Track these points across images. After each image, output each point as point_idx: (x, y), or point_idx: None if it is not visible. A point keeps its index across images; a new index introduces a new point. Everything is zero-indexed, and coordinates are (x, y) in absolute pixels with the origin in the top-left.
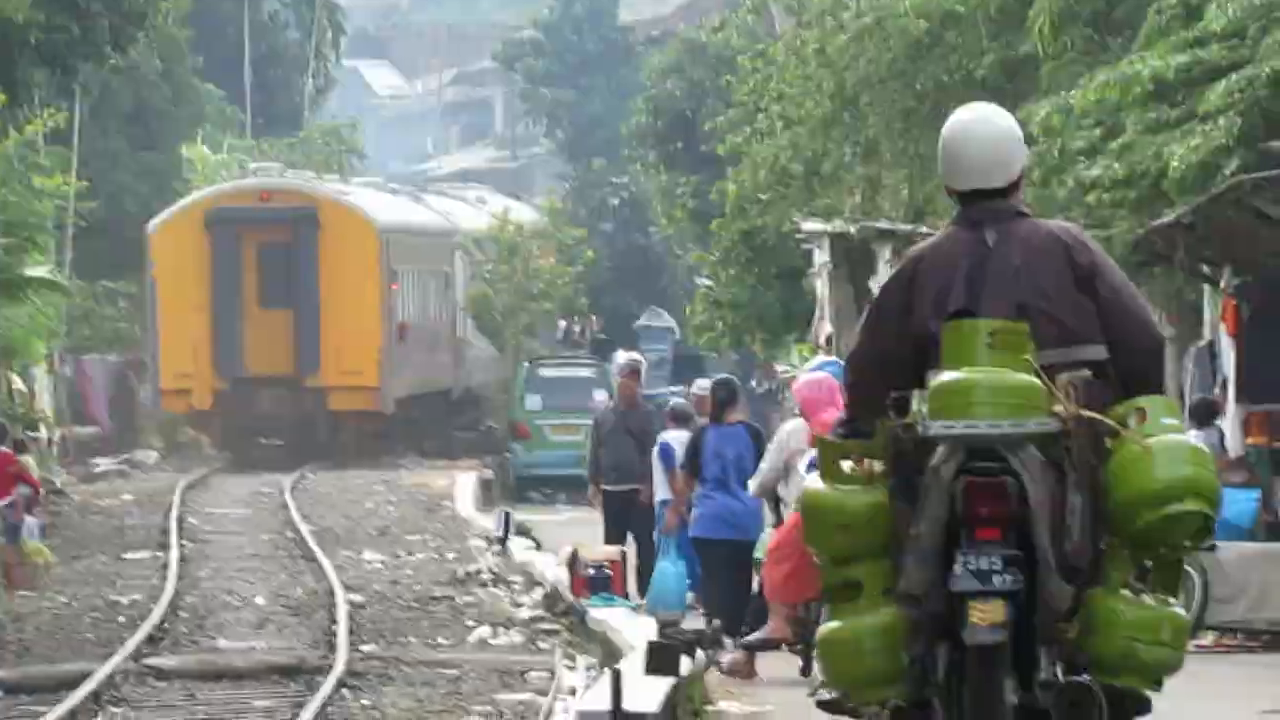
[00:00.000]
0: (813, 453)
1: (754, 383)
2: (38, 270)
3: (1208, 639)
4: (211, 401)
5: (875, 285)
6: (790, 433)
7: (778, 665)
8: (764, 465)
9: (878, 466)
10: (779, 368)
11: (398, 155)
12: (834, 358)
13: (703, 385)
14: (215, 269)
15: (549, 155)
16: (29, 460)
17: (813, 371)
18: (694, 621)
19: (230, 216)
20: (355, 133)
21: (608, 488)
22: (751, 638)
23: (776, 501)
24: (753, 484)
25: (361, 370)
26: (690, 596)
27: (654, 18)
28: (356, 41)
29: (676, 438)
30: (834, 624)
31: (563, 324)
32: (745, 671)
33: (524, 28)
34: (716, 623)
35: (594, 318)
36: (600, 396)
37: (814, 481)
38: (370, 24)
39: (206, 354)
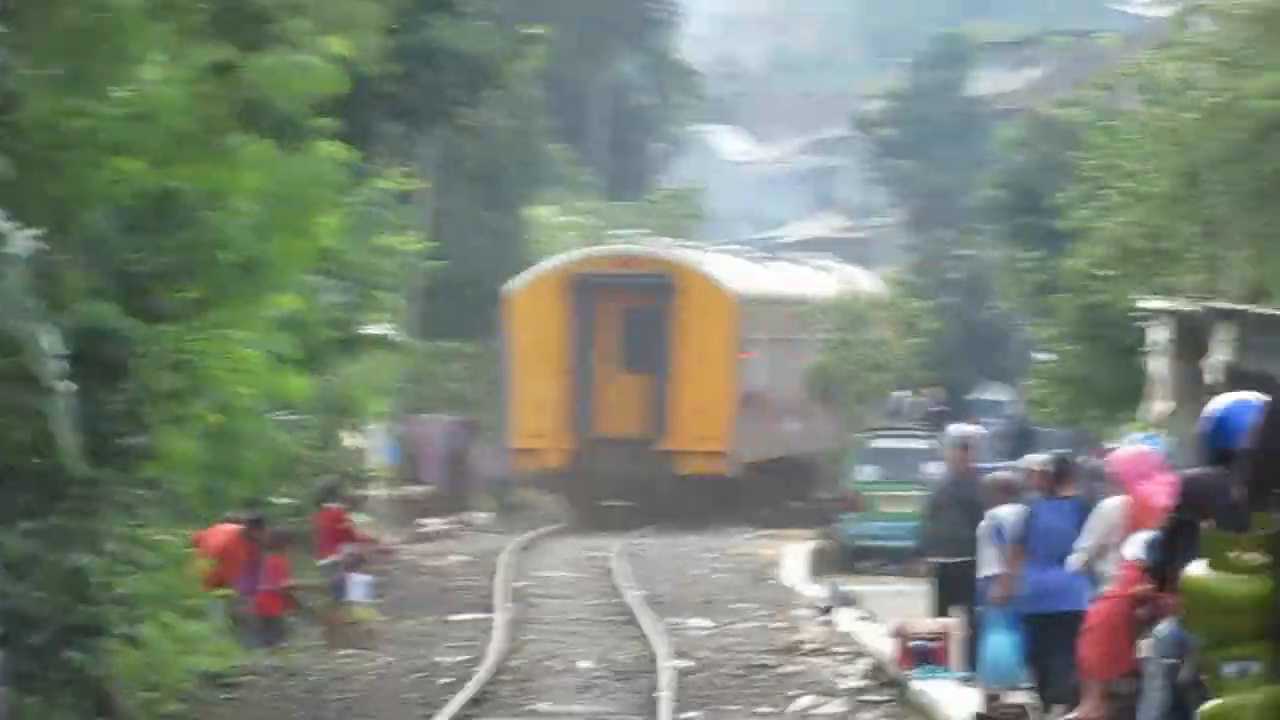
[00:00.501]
0: (1140, 534)
1: (1086, 457)
2: (378, 329)
3: None
4: (563, 461)
5: (1208, 366)
6: (1110, 509)
7: None
8: (1085, 541)
9: (1260, 558)
10: (1107, 445)
11: (746, 220)
12: (1155, 433)
13: (1036, 459)
14: (574, 331)
15: (895, 226)
16: (360, 519)
17: (1133, 445)
18: (1018, 696)
19: (592, 281)
20: (701, 196)
21: (938, 559)
22: (1069, 717)
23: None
24: (1074, 559)
25: (711, 435)
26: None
27: (1002, 92)
28: (709, 106)
29: (1007, 511)
30: (1218, 702)
31: (896, 395)
32: None
33: (876, 96)
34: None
35: (931, 389)
36: (932, 469)
37: (1198, 569)
38: (723, 89)
39: (562, 414)
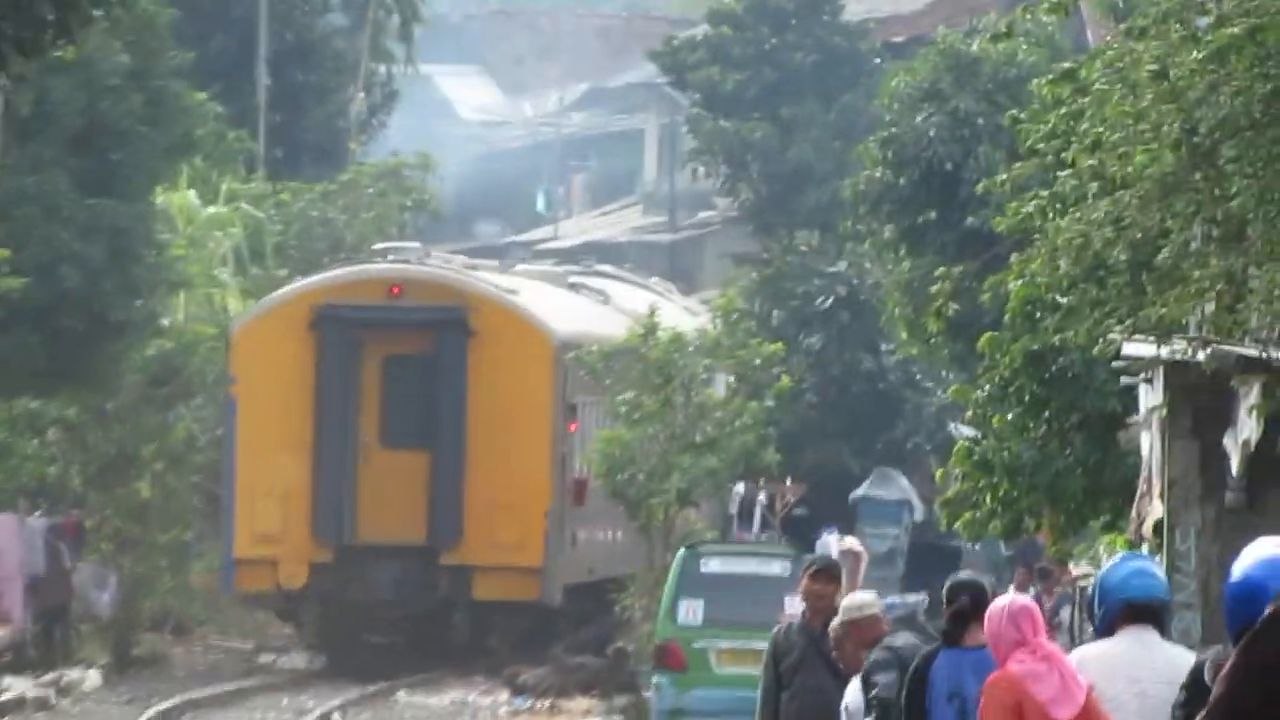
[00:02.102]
0: None
1: (1033, 590)
2: None
3: None
4: (306, 579)
5: (1231, 443)
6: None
7: None
8: None
9: None
10: (1074, 571)
11: (491, 213)
12: (1145, 552)
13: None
14: (321, 390)
15: (727, 225)
16: None
17: (1016, 596)
18: None
19: (346, 317)
20: (428, 177)
21: None
22: None
23: None
24: None
25: (522, 544)
26: None
27: (896, 14)
28: (434, 39)
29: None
30: None
31: (739, 489)
32: None
33: (693, 21)
34: None
35: (788, 483)
36: (793, 607)
37: None
38: (453, 11)
39: (304, 511)
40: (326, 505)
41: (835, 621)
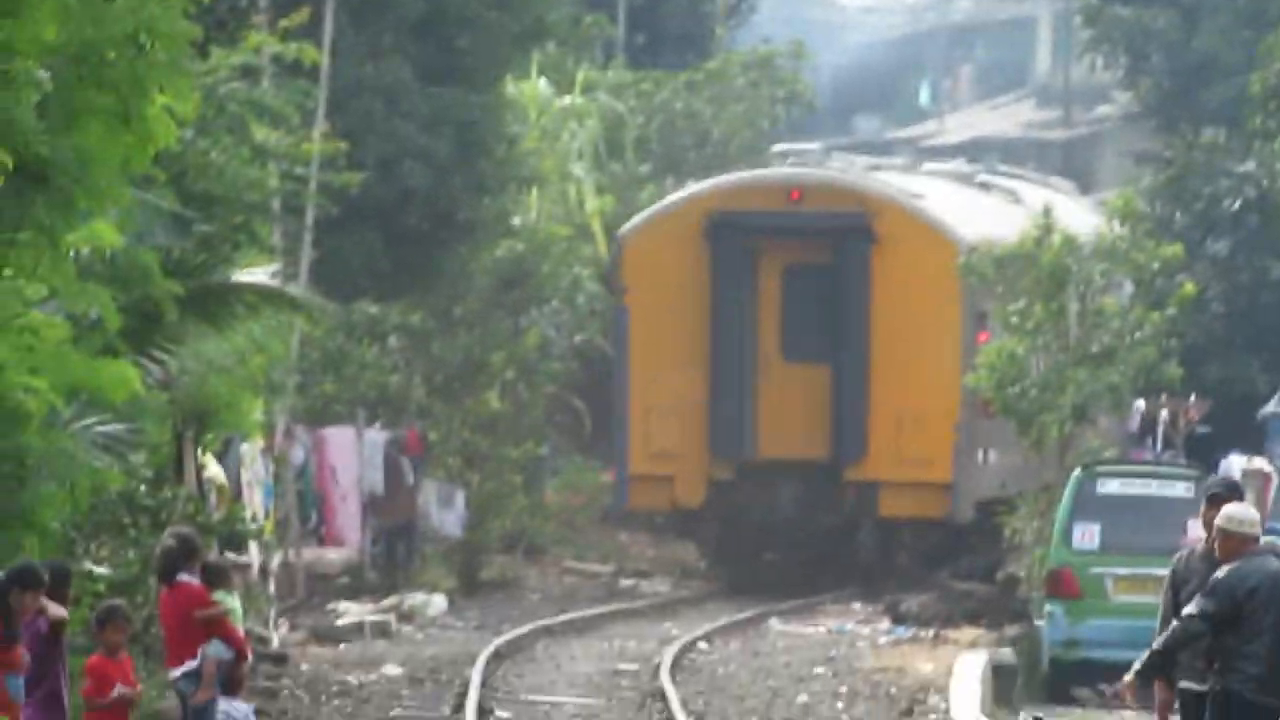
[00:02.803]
0: None
1: None
2: (254, 275)
3: None
4: (705, 496)
5: None
6: None
7: None
8: None
9: None
10: None
11: (869, 107)
12: None
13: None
14: (717, 302)
15: (1126, 121)
16: (230, 602)
17: None
18: None
19: (743, 224)
20: (801, 67)
21: (1185, 684)
22: None
23: None
24: None
25: (931, 459)
26: None
27: None
28: None
29: None
30: None
31: (1140, 405)
32: None
33: None
34: None
35: (1192, 399)
36: (1196, 532)
37: None
38: None
39: (701, 426)
40: (725, 421)
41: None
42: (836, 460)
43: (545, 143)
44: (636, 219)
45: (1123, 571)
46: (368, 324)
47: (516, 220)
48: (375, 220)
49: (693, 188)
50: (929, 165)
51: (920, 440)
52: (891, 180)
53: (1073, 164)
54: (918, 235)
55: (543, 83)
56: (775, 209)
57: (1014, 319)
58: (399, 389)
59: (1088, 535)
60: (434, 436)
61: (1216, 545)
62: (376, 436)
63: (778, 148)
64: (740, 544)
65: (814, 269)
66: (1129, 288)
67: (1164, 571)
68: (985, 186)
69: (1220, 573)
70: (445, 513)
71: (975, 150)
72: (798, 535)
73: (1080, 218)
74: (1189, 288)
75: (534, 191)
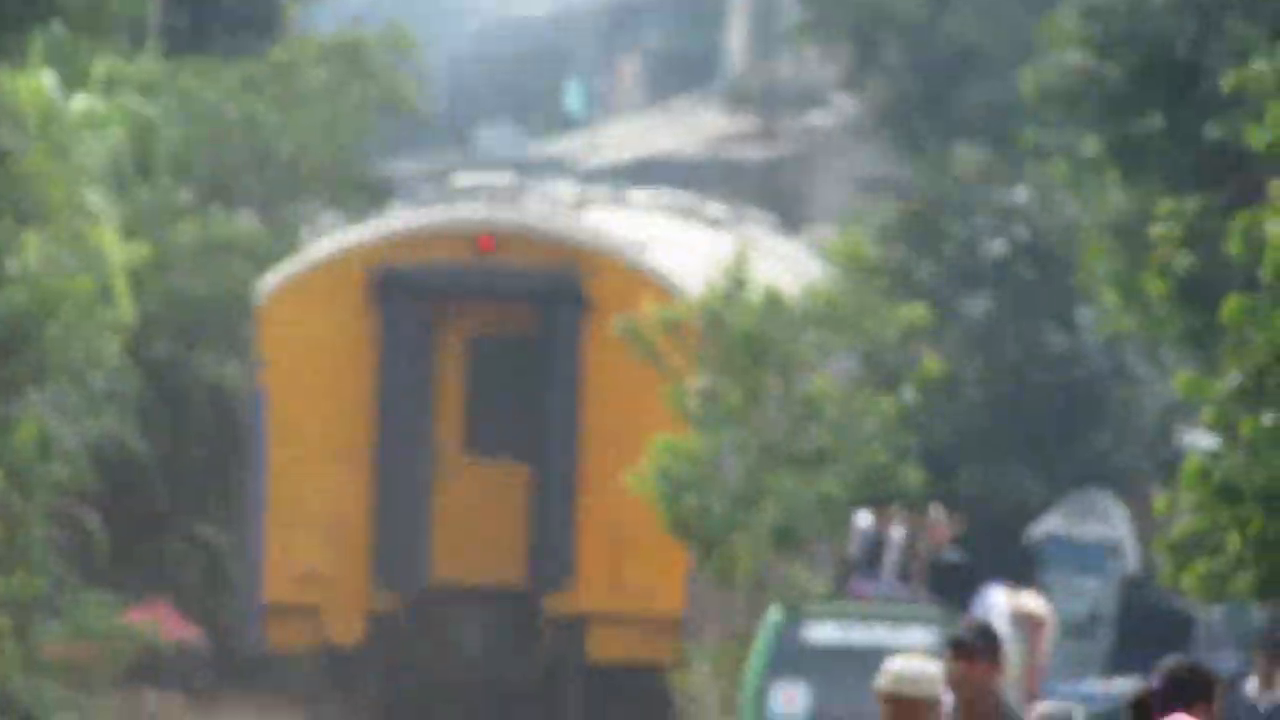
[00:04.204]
0: None
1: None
2: None
3: None
4: (363, 633)
5: None
6: None
7: None
8: None
9: None
10: None
11: (498, 113)
12: None
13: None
14: (384, 381)
15: (850, 133)
16: None
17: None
18: None
19: (418, 283)
20: (403, 57)
21: None
22: None
23: None
24: None
25: (656, 588)
26: None
27: None
28: None
29: None
30: None
31: (865, 522)
32: None
33: None
34: None
35: (936, 515)
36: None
37: None
38: None
39: (360, 542)
40: (392, 535)
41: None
42: (535, 587)
43: (53, 161)
44: (279, 274)
45: None
46: None
47: (11, 266)
48: None
49: (351, 234)
50: (638, 194)
51: (643, 563)
52: (605, 222)
53: (776, 190)
54: (645, 299)
55: (48, 77)
56: (460, 264)
57: (693, 404)
58: None
59: (790, 700)
60: None
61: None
62: None
63: (461, 181)
64: (413, 696)
65: (509, 341)
66: (852, 363)
67: None
68: (719, 224)
69: None
70: None
71: (642, 173)
72: (483, 687)
73: (785, 266)
74: (933, 364)
75: (35, 229)
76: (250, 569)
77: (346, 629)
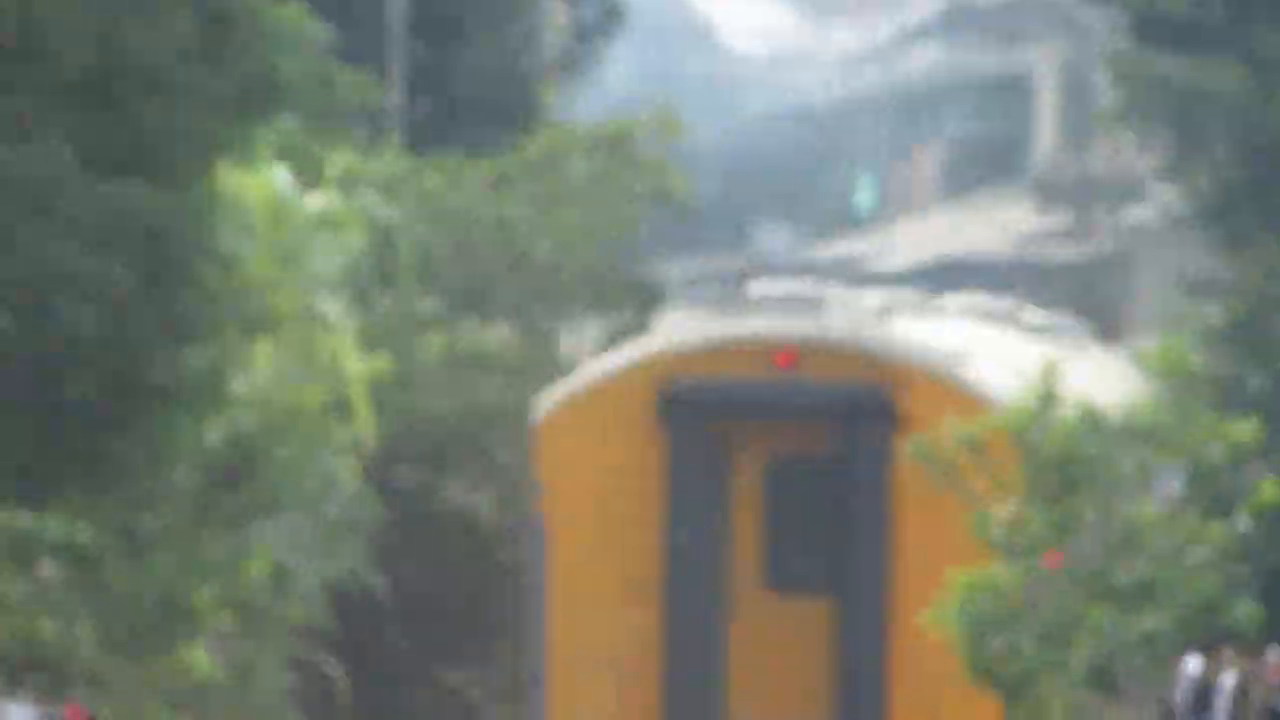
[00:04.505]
0: None
1: None
2: None
3: None
4: None
5: None
6: None
7: None
8: None
9: None
10: None
11: (776, 210)
12: None
13: None
14: (673, 508)
15: (1172, 229)
16: None
17: None
18: None
19: (712, 401)
20: (672, 146)
21: None
22: None
23: None
24: None
25: None
26: None
27: None
28: None
29: None
30: None
31: (1194, 666)
32: None
33: None
34: None
35: (1275, 654)
36: None
37: None
38: None
39: (650, 688)
40: (685, 678)
41: None
42: None
43: (281, 266)
44: (557, 393)
45: None
46: (8, 542)
47: (237, 384)
48: (17, 386)
49: (637, 349)
50: (949, 300)
51: (963, 708)
52: (914, 332)
53: (1089, 293)
54: (961, 417)
55: (279, 173)
56: (757, 379)
57: (1000, 533)
58: (56, 640)
59: None
60: (108, 715)
61: None
62: (21, 714)
63: (756, 288)
64: None
65: (812, 463)
66: (1177, 486)
67: None
68: (1040, 332)
69: None
70: None
71: (942, 275)
72: None
73: (1101, 379)
74: (1272, 488)
75: (264, 340)
76: (533, 717)
77: None
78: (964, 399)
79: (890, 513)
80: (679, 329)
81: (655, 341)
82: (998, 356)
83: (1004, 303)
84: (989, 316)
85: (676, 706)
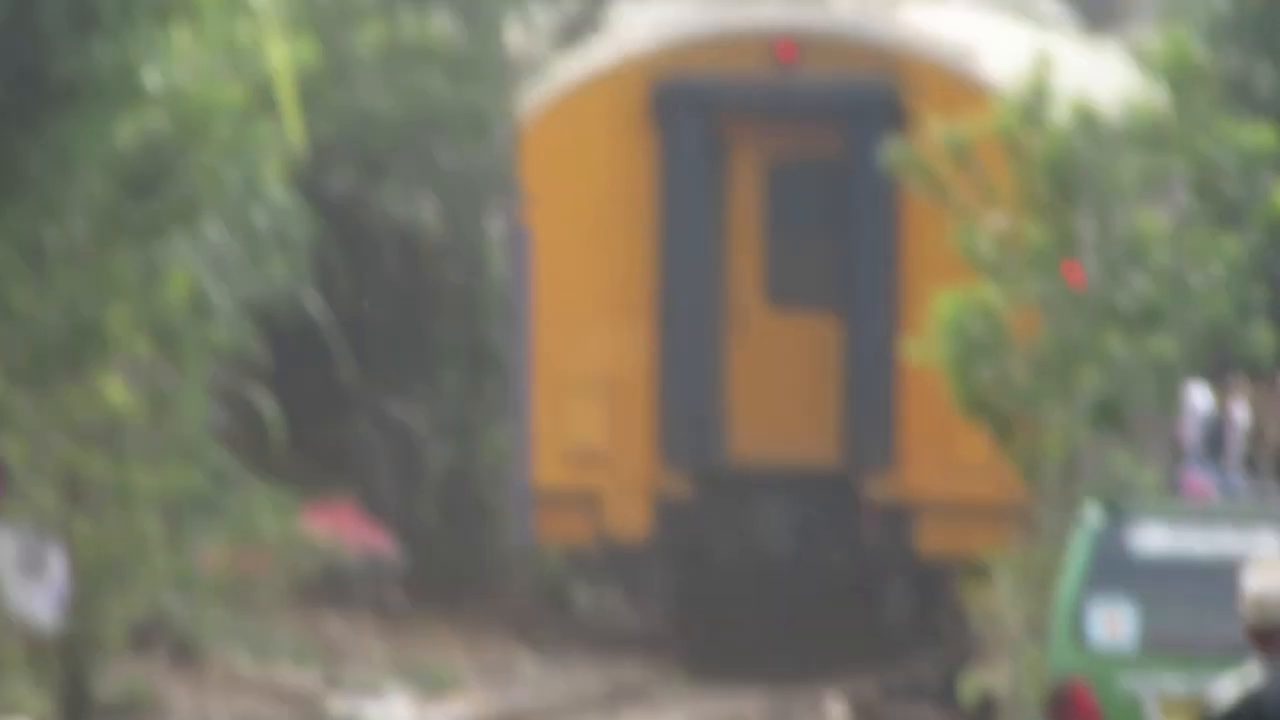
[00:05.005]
0: None
1: None
2: None
3: None
4: (650, 525)
5: None
6: None
7: None
8: None
9: None
10: None
11: None
12: None
13: None
14: (668, 217)
15: None
16: None
17: None
18: None
19: (709, 98)
20: None
21: None
22: None
23: None
24: None
25: (993, 469)
26: None
27: None
28: None
29: None
30: None
31: (1197, 400)
32: None
33: None
34: None
35: None
36: None
37: None
38: None
39: (643, 413)
40: (681, 405)
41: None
42: (851, 467)
43: None
44: (542, 91)
45: (1177, 689)
46: None
47: (151, 79)
48: None
49: (626, 41)
50: None
51: (981, 436)
52: (924, 22)
53: None
54: (973, 113)
55: None
56: (757, 75)
57: (988, 249)
58: None
59: (1115, 624)
60: (13, 453)
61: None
62: None
63: None
64: (704, 600)
65: (816, 167)
66: (1184, 196)
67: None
68: (1052, 25)
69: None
70: (31, 584)
71: None
72: (791, 586)
73: (1096, 74)
74: None
75: (180, 29)
76: (515, 448)
77: (631, 519)
78: (978, 96)
79: (898, 218)
80: (670, 20)
81: (647, 34)
82: (1012, 51)
83: None
84: (1001, 7)
85: (672, 440)
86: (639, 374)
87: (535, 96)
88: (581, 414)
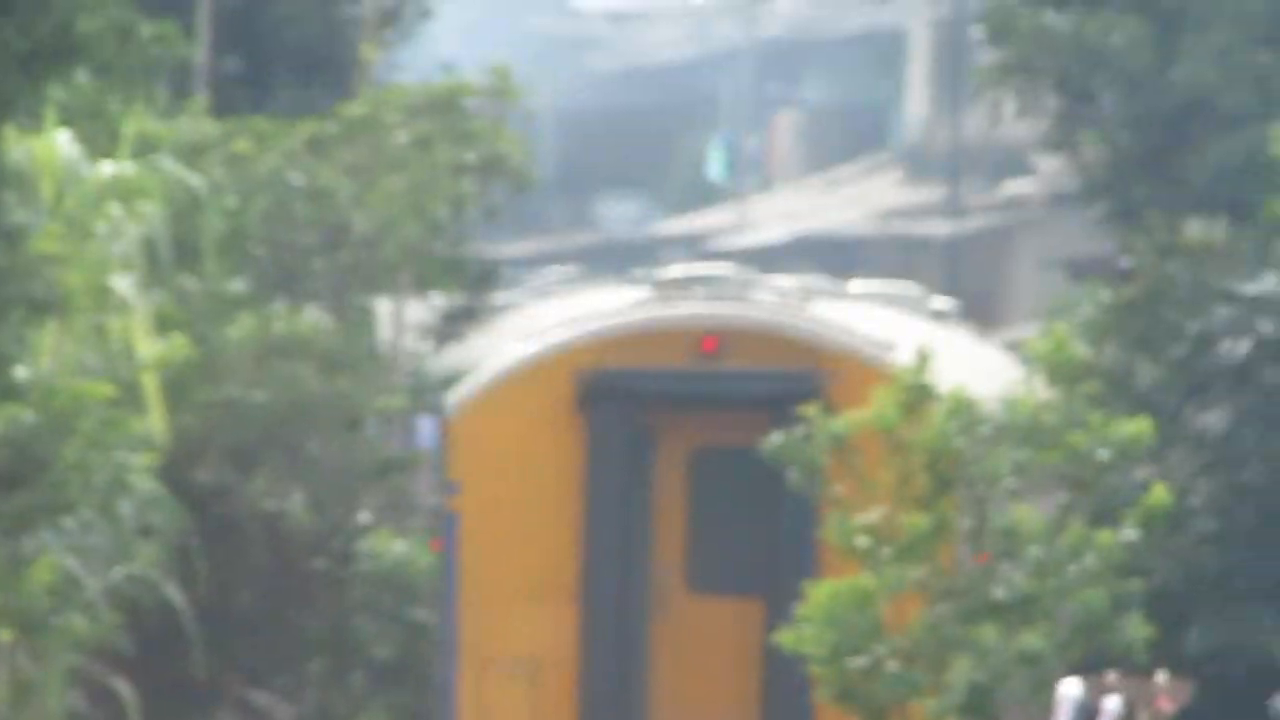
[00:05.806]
0: None
1: None
2: None
3: None
4: None
5: None
6: None
7: None
8: None
9: None
10: None
11: (622, 182)
12: None
13: None
14: (593, 503)
15: (1056, 206)
16: None
17: None
18: None
19: (634, 390)
20: (507, 112)
21: None
22: None
23: None
24: None
25: None
26: None
27: None
28: None
29: None
30: None
31: (1074, 691)
32: None
33: None
34: None
35: (1161, 679)
36: None
37: None
38: None
39: (566, 692)
40: (602, 684)
41: None
42: None
43: (71, 240)
44: (469, 384)
45: None
46: None
47: (20, 372)
48: None
49: (555, 336)
50: (858, 285)
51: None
52: (842, 319)
53: (965, 277)
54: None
55: (64, 139)
56: (682, 367)
57: (862, 540)
58: None
59: None
60: None
61: None
62: None
63: (672, 272)
64: None
65: (739, 455)
66: (1061, 493)
67: None
68: (941, 318)
69: None
70: None
71: (804, 253)
72: None
73: (978, 369)
74: (1161, 493)
75: (50, 324)
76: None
77: None
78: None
79: (821, 507)
80: (596, 315)
81: (572, 329)
82: (915, 344)
83: (910, 288)
84: (896, 302)
85: (594, 712)
86: (564, 654)
87: (463, 388)
88: (503, 695)
